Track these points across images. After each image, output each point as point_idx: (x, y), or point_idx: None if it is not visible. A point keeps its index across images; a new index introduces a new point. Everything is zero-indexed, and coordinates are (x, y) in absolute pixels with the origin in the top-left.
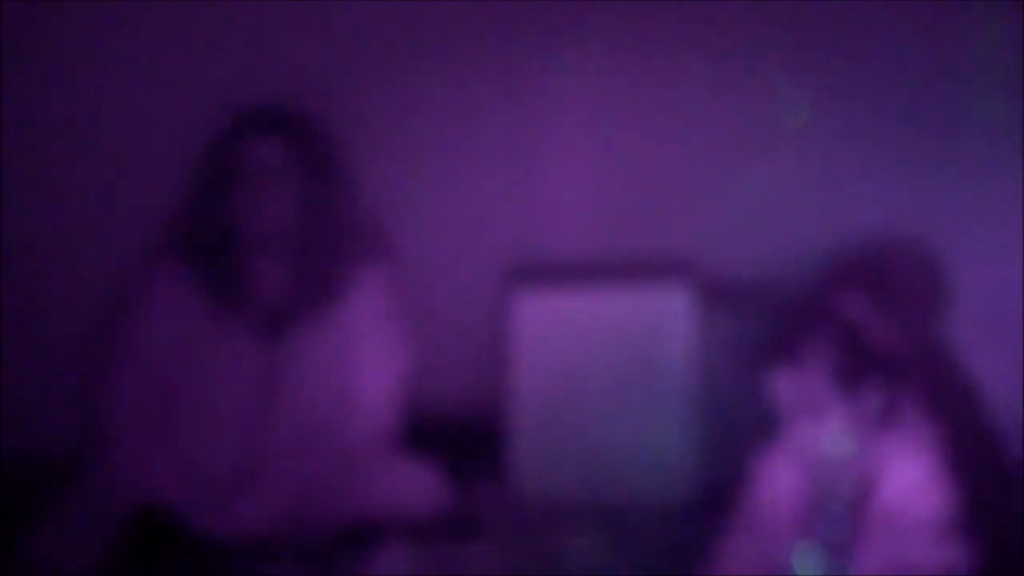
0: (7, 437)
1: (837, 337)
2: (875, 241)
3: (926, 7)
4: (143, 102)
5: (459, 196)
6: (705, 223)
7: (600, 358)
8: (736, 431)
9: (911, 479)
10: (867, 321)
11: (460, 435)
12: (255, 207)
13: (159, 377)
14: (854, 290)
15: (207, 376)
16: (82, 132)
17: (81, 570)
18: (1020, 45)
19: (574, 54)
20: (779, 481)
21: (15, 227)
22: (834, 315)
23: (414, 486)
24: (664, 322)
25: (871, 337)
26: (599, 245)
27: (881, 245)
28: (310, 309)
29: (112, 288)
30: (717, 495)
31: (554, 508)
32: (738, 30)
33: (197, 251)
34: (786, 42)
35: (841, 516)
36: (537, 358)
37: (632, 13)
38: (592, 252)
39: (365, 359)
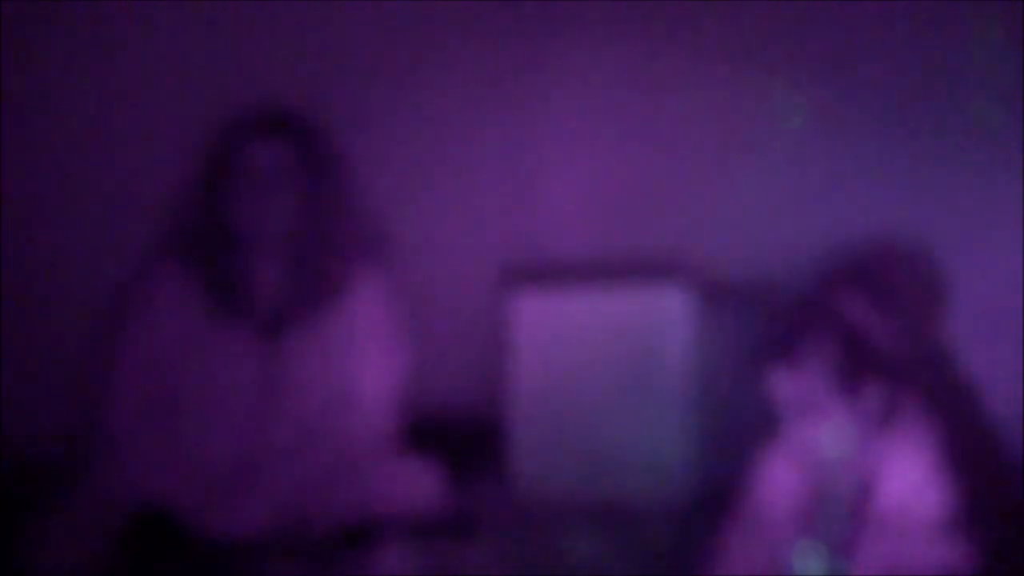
0: (7, 437)
1: (837, 337)
2: (874, 241)
3: (926, 8)
4: (143, 103)
5: (458, 196)
6: (704, 223)
7: (599, 358)
8: (736, 431)
9: (911, 479)
10: (866, 321)
11: (460, 435)
12: (255, 208)
13: (159, 377)
14: (853, 290)
15: (207, 376)
16: (82, 132)
17: (82, 570)
18: (1020, 46)
19: (573, 55)
20: (779, 481)
21: (15, 227)
22: (834, 315)
23: (414, 486)
24: (663, 322)
25: (871, 337)
26: (598, 245)
27: (880, 245)
28: (309, 309)
29: (112, 288)
30: (717, 495)
31: (554, 508)
32: (736, 31)
33: (197, 252)
34: (785, 42)
35: (841, 516)
36: (536, 358)
37: (630, 14)
38: (591, 252)
39: (364, 359)
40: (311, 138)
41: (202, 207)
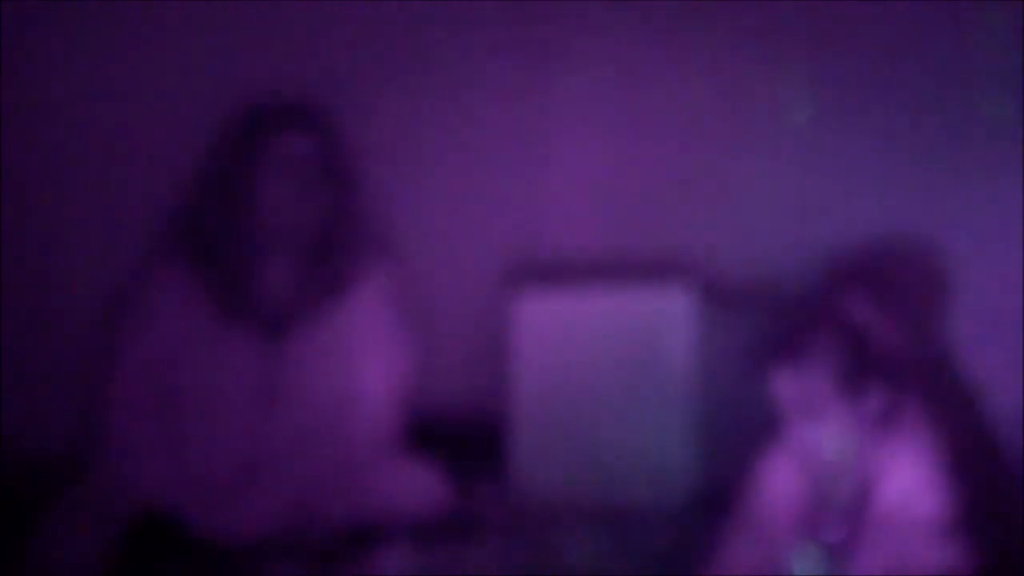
0: (8, 437)
1: (839, 338)
2: (877, 241)
3: (926, 7)
4: (145, 102)
5: (460, 196)
6: (706, 223)
7: (601, 359)
8: (737, 432)
9: (911, 480)
10: (868, 322)
11: (461, 435)
12: (286, 197)
13: (161, 378)
14: (856, 291)
15: (209, 377)
16: (84, 132)
17: (83, 572)
18: (1020, 45)
19: (575, 54)
20: (780, 482)
21: (16, 227)
22: (836, 316)
23: (415, 486)
24: (665, 323)
25: (872, 338)
26: (600, 245)
27: (883, 245)
28: (312, 309)
29: (114, 288)
30: (718, 496)
31: (554, 508)
32: (739, 29)
33: (201, 251)
34: (787, 42)
35: (841, 516)
36: (538, 358)
37: (633, 13)
38: (593, 252)
39: (366, 359)
40: (333, 134)
41: (216, 200)
